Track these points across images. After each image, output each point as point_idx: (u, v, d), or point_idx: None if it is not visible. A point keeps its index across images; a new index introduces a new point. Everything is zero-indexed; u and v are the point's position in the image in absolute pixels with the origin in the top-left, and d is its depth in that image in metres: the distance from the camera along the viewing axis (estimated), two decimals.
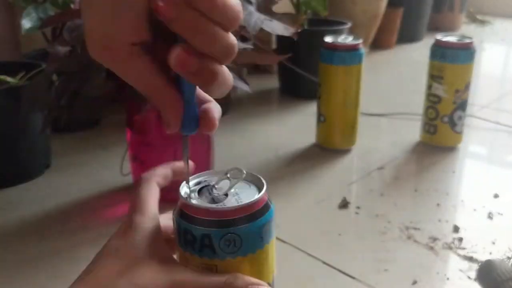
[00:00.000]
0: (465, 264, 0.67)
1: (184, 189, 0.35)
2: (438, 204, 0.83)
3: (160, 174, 0.38)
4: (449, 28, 2.22)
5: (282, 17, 0.77)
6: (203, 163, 0.83)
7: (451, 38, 0.99)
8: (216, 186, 0.35)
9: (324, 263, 0.68)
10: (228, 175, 0.36)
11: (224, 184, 0.35)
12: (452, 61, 0.97)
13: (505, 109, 1.32)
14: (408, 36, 2.02)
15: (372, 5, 1.70)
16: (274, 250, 0.35)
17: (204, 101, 0.32)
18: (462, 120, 1.01)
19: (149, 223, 0.34)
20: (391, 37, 1.95)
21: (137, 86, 0.30)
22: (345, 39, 0.99)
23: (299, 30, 0.76)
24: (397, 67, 1.76)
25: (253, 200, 0.33)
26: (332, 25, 1.38)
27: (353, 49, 0.97)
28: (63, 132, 1.09)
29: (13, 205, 0.83)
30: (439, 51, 0.98)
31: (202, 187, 0.36)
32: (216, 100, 0.33)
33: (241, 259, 0.33)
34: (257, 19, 0.72)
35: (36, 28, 0.90)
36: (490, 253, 0.70)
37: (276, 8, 0.80)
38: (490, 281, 0.62)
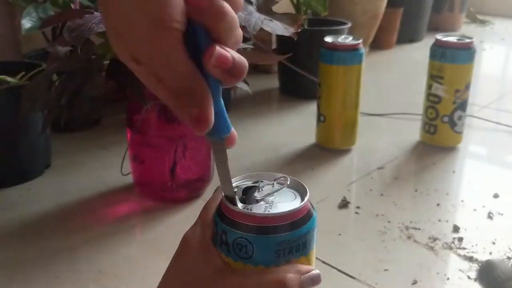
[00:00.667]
0: (465, 264, 0.67)
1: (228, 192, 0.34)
2: (438, 204, 0.83)
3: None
4: (449, 28, 2.21)
5: (282, 17, 0.77)
6: (204, 163, 0.83)
7: (451, 38, 0.99)
8: (259, 190, 0.35)
9: (324, 263, 0.68)
10: (273, 182, 0.36)
11: (267, 189, 0.35)
12: (452, 61, 0.97)
13: (505, 109, 1.32)
14: (408, 36, 2.02)
15: (372, 5, 1.70)
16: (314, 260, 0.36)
17: None
18: (462, 120, 1.01)
19: (199, 233, 0.35)
20: (391, 37, 1.95)
21: (173, 75, 0.29)
22: (345, 39, 0.99)
23: (299, 30, 0.76)
24: (397, 67, 1.76)
25: (295, 209, 0.33)
26: (332, 25, 1.38)
27: (353, 49, 0.97)
28: (63, 132, 1.09)
29: (13, 205, 0.83)
30: (439, 51, 0.98)
31: (247, 189, 0.35)
32: None
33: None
34: (257, 19, 0.72)
35: (36, 28, 0.89)
36: (490, 253, 0.70)
37: (276, 8, 0.80)
38: (490, 281, 0.62)
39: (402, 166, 0.98)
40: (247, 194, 0.35)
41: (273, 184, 0.36)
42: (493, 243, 0.72)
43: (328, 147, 1.04)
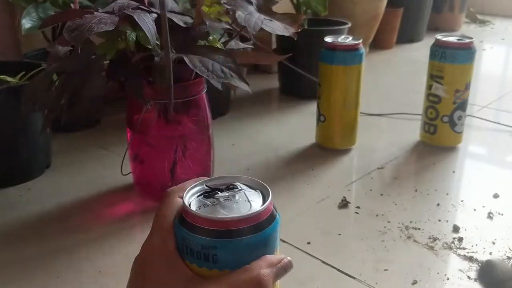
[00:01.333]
0: (465, 264, 0.67)
1: (186, 197, 0.34)
2: (438, 204, 0.83)
3: (181, 189, 0.36)
4: (449, 28, 2.22)
5: (282, 17, 0.77)
6: (203, 164, 0.83)
7: (451, 38, 0.99)
8: (218, 193, 0.35)
9: (324, 263, 0.68)
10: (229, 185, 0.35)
11: (228, 192, 0.35)
12: (452, 61, 0.97)
13: (505, 109, 1.32)
14: (408, 36, 2.02)
15: (372, 5, 1.69)
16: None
17: None
18: (462, 120, 1.01)
19: (161, 244, 0.34)
20: (391, 37, 1.95)
21: None
22: (345, 39, 0.99)
23: (299, 30, 0.76)
24: (397, 67, 1.76)
25: (259, 210, 0.32)
26: (332, 25, 1.38)
27: (353, 49, 0.97)
28: (63, 132, 1.09)
29: (13, 205, 0.83)
30: (439, 51, 0.98)
31: (204, 194, 0.35)
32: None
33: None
34: (257, 19, 0.72)
35: (36, 28, 0.90)
36: (490, 253, 0.70)
37: (276, 8, 0.80)
38: (490, 281, 0.62)
39: (402, 166, 0.98)
40: (208, 198, 0.34)
41: (234, 187, 0.35)
42: (493, 243, 0.72)
43: (328, 147, 1.04)
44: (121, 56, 0.71)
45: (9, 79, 0.86)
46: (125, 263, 0.72)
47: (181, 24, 0.71)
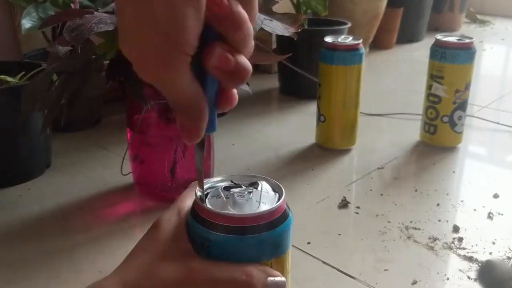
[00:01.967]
0: (465, 264, 0.67)
1: (198, 192, 0.35)
2: (438, 204, 0.83)
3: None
4: (449, 28, 2.22)
5: (282, 17, 0.77)
6: (203, 164, 0.83)
7: (451, 38, 0.99)
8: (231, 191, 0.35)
9: (324, 263, 0.68)
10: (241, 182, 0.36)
11: (243, 190, 0.36)
12: (452, 61, 0.97)
13: (505, 109, 1.32)
14: (408, 36, 2.02)
15: (372, 5, 1.70)
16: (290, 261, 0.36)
17: None
18: (462, 120, 1.01)
19: (174, 218, 0.36)
20: (391, 37, 1.95)
21: (175, 96, 0.29)
22: (345, 39, 0.99)
23: (299, 30, 0.76)
24: (397, 67, 1.76)
25: (272, 208, 0.33)
26: (332, 25, 1.38)
27: (353, 49, 0.97)
28: (63, 132, 1.09)
29: (13, 205, 0.83)
30: (439, 51, 0.98)
31: (225, 187, 0.36)
32: None
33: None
34: (257, 19, 0.72)
35: (36, 28, 0.89)
36: (490, 253, 0.70)
37: (276, 8, 0.80)
38: (490, 281, 0.62)
39: (402, 166, 0.98)
40: (225, 191, 0.35)
41: (248, 185, 0.36)
42: (493, 243, 0.72)
43: (328, 147, 1.04)
44: (121, 56, 0.71)
45: (9, 79, 0.86)
46: None
47: None
